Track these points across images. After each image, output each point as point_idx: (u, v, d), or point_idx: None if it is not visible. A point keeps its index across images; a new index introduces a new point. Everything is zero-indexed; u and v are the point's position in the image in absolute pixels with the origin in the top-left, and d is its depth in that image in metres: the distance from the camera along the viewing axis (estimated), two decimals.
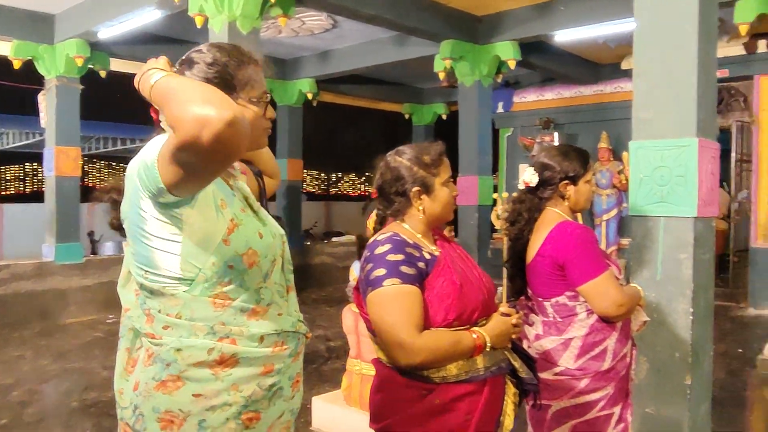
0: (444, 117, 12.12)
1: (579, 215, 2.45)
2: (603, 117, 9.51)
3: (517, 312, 1.79)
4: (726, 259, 9.03)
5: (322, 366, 5.42)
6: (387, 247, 1.67)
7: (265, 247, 1.40)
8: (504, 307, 1.78)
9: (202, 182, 1.24)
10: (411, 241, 1.72)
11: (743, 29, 5.83)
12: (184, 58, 1.43)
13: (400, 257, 1.64)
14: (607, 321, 2.18)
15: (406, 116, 12.43)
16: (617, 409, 2.24)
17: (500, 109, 10.68)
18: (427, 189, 1.76)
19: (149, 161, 1.22)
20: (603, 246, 8.88)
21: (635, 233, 3.05)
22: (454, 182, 1.85)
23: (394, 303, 1.60)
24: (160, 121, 1.36)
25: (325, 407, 3.95)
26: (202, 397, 1.31)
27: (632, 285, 2.35)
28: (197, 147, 1.07)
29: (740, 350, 6.03)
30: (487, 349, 1.68)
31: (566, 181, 2.29)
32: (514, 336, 1.77)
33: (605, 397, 2.20)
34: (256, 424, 1.37)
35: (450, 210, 1.81)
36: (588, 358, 2.18)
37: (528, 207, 2.32)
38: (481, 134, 7.66)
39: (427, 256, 1.70)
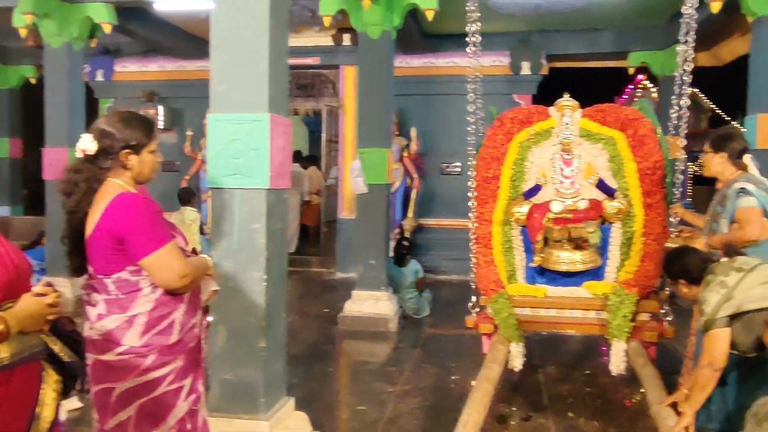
0: (33, 81, 10.68)
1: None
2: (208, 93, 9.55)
3: (56, 291, 1.62)
4: (319, 230, 10.01)
5: None
6: None
7: None
8: (39, 287, 1.59)
9: None
10: None
11: (327, 21, 6.48)
12: None
13: None
14: (173, 293, 2.14)
15: None
16: (188, 381, 2.22)
17: (100, 78, 9.91)
18: None
19: None
20: None
21: (214, 205, 3.10)
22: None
23: None
24: None
25: None
26: None
27: (199, 256, 2.36)
28: None
29: (326, 310, 6.76)
30: (14, 335, 1.48)
31: (128, 150, 2.16)
32: (51, 317, 1.60)
33: (174, 371, 2.16)
34: None
35: None
36: (154, 333, 2.11)
37: (86, 177, 2.12)
38: (73, 103, 6.96)
39: None
